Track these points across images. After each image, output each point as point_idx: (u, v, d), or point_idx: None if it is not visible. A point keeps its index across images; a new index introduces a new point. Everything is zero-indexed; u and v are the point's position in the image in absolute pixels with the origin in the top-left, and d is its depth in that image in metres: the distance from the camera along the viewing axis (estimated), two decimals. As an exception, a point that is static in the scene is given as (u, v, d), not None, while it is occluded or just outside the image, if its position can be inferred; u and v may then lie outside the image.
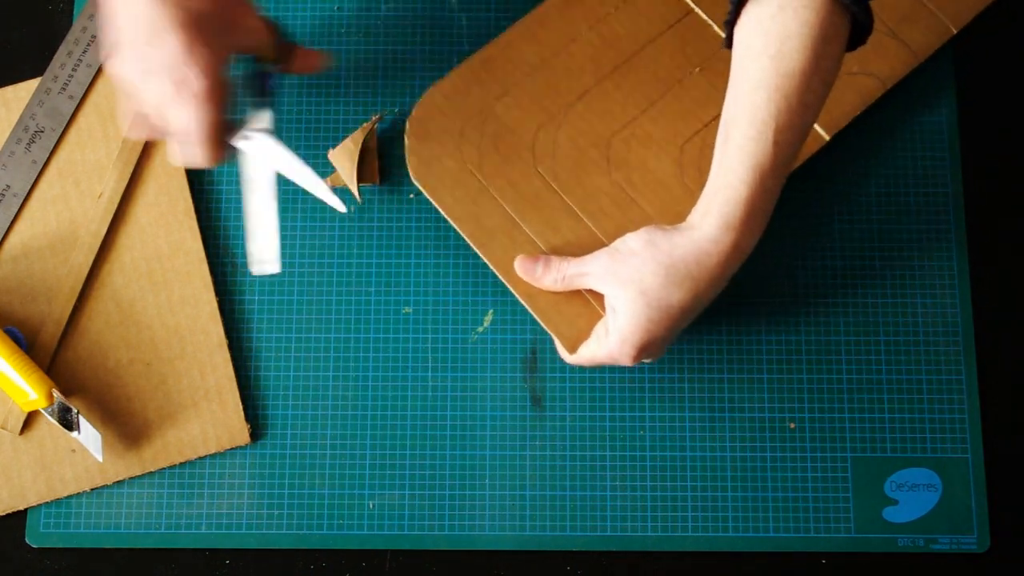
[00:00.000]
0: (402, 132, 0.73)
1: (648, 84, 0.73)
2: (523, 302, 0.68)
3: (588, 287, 0.65)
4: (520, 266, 0.67)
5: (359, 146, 0.72)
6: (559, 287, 0.66)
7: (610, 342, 0.62)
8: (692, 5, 0.74)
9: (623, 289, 0.61)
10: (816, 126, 0.72)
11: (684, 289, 0.60)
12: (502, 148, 0.71)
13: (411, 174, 0.71)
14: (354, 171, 0.72)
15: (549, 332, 0.68)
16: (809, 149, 0.72)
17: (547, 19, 0.74)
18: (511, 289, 0.68)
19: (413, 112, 0.72)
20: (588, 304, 0.67)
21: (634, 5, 0.74)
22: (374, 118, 0.73)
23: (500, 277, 0.69)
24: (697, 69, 0.73)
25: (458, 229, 0.70)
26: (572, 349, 0.67)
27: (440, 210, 0.70)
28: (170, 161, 0.72)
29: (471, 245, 0.70)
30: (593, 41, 0.73)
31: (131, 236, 0.72)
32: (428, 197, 0.71)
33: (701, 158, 0.71)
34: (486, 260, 0.69)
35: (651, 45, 0.74)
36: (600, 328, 0.64)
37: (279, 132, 0.74)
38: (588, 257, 0.65)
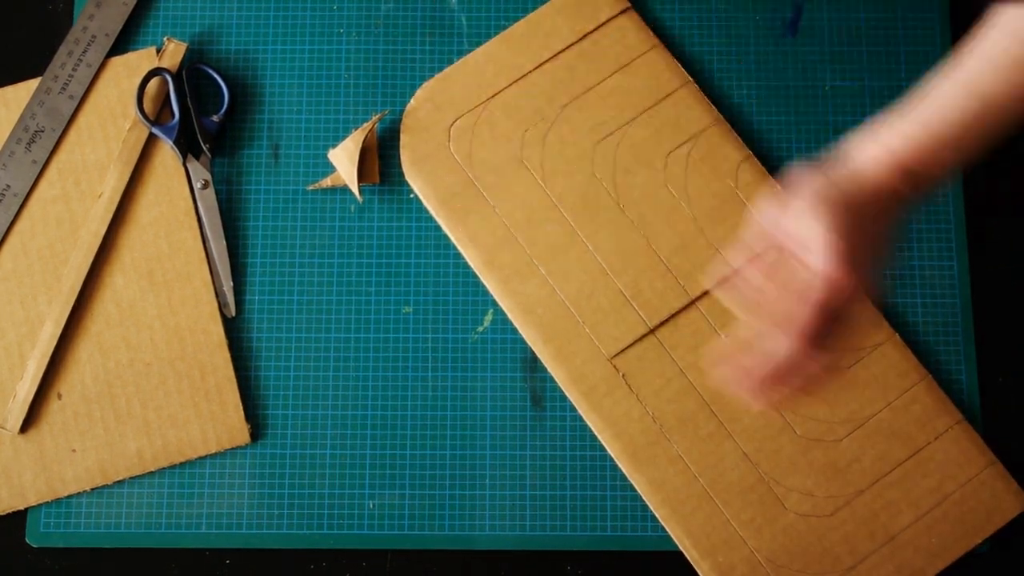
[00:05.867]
0: (392, 131, 0.73)
1: (637, 94, 0.73)
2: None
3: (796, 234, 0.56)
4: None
5: (359, 146, 0.72)
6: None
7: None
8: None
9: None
10: None
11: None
12: (491, 143, 0.72)
13: (403, 168, 0.71)
14: (354, 171, 0.72)
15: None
16: None
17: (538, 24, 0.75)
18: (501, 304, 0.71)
19: (408, 106, 0.72)
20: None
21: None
22: (374, 118, 0.73)
23: (485, 283, 0.71)
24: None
25: (443, 225, 0.71)
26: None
27: (425, 204, 0.72)
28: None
29: (455, 242, 0.71)
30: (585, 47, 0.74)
31: (131, 236, 0.72)
32: (416, 191, 0.72)
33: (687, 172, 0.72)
34: (469, 261, 0.71)
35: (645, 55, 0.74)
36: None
37: (280, 133, 0.75)
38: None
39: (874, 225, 0.55)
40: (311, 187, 0.73)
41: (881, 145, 0.55)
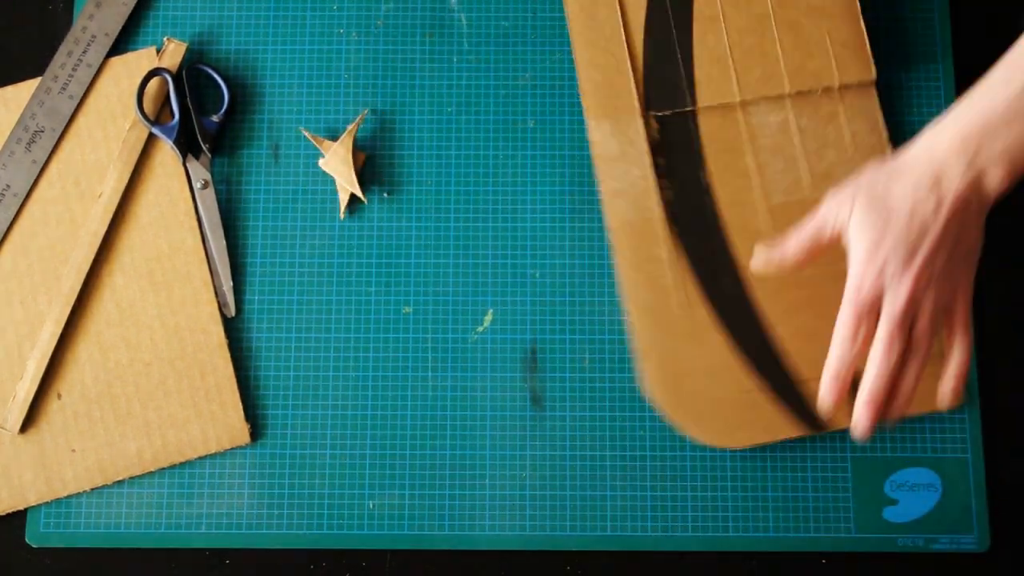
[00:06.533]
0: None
1: None
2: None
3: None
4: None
5: (350, 149, 0.72)
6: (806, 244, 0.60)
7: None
8: None
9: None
10: None
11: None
12: None
13: None
14: (351, 173, 0.71)
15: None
16: None
17: None
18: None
19: None
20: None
21: None
22: (357, 120, 0.73)
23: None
24: None
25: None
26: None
27: None
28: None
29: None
30: None
31: (131, 236, 0.72)
32: None
33: None
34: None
35: None
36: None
37: (280, 133, 0.75)
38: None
39: (934, 216, 0.54)
40: (343, 217, 0.73)
41: (939, 128, 0.55)
